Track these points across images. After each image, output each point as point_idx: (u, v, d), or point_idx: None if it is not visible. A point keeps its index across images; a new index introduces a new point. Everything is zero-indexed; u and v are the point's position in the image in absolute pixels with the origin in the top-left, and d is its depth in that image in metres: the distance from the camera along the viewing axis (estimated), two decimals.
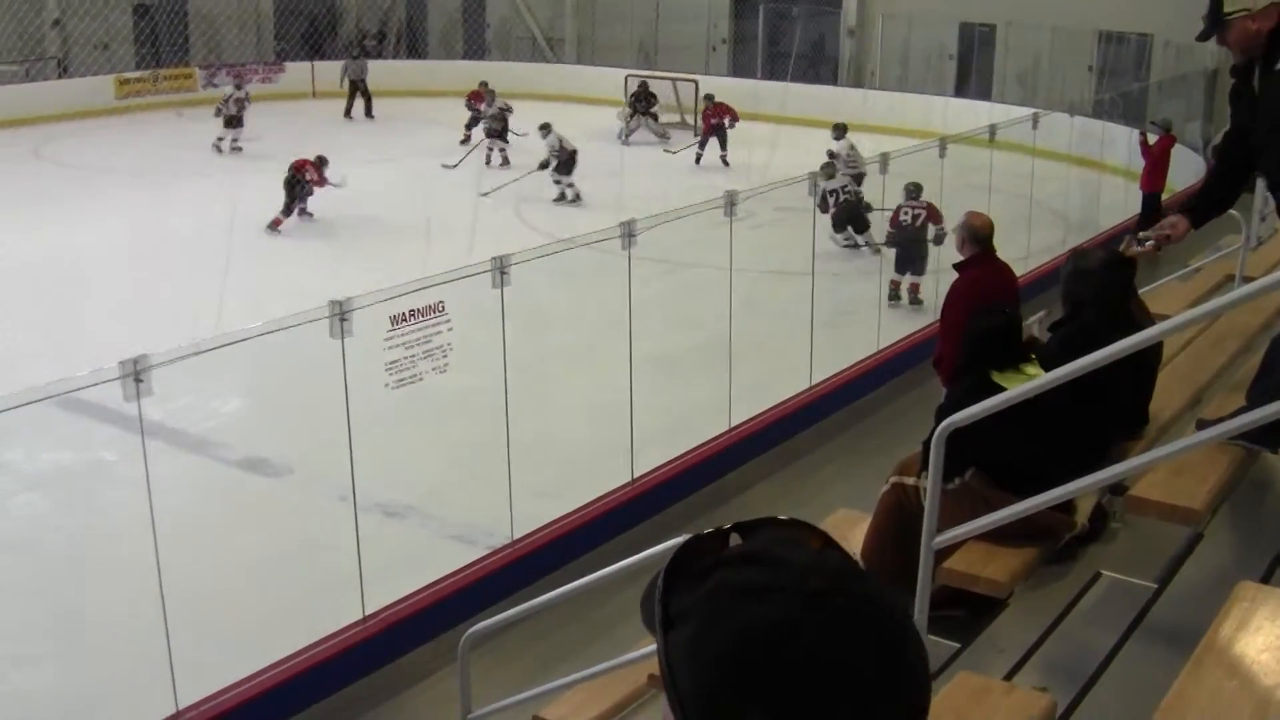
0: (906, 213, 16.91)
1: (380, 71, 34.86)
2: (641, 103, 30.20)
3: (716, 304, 12.33)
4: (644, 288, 10.80)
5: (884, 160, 13.54)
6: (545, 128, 23.99)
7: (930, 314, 13.96)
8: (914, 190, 16.85)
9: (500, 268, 9.04)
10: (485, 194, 23.63)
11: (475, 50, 39.35)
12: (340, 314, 8.04)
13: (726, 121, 27.21)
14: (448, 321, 8.78)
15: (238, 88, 28.85)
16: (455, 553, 9.82)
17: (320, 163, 21.65)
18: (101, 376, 7.43)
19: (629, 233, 10.14)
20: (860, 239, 19.33)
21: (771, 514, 1.52)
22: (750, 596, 1.34)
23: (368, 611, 8.65)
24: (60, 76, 34.08)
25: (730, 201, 11.20)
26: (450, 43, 40.34)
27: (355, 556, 8.61)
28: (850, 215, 19.33)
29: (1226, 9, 5.57)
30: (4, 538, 11.09)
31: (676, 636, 1.36)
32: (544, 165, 23.75)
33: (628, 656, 6.47)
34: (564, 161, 23.62)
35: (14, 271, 18.44)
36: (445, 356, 8.75)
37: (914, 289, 16.57)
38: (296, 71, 35.61)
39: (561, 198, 23.69)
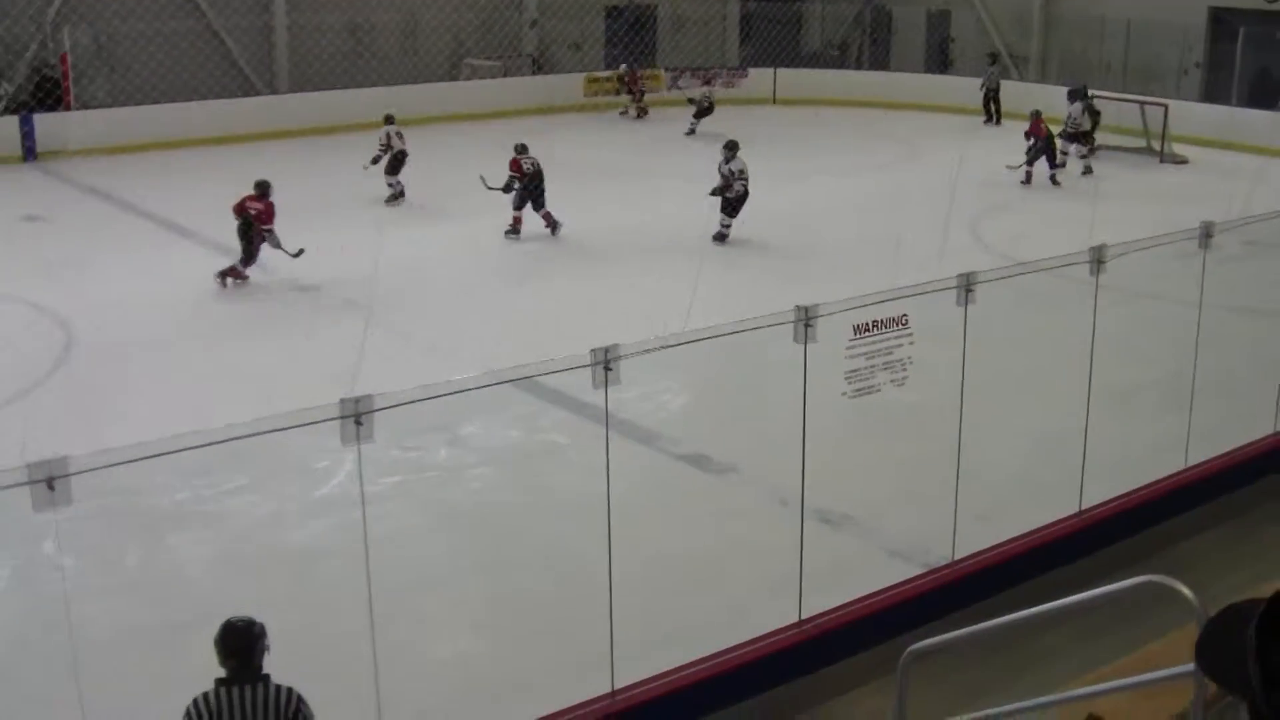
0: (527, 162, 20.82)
1: (843, 82, 35.43)
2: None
3: (1175, 338, 11.88)
4: (1101, 316, 10.48)
5: None
6: (731, 148, 21.02)
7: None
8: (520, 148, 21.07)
9: (966, 285, 8.96)
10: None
11: (937, 64, 39.03)
12: (806, 319, 8.11)
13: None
14: (910, 335, 8.74)
15: (390, 124, 23.74)
16: (892, 568, 9.80)
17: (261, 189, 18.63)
18: (574, 362, 7.71)
19: (1098, 259, 9.87)
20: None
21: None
22: None
23: (804, 616, 8.73)
24: (535, 73, 35.61)
25: (1206, 233, 10.75)
26: (912, 55, 40.12)
27: (793, 559, 8.69)
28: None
29: None
30: (458, 507, 11.69)
31: None
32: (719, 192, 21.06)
33: (1067, 694, 6.33)
34: (733, 198, 20.78)
35: (486, 254, 19.56)
36: (904, 370, 8.71)
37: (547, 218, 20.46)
38: (759, 78, 36.17)
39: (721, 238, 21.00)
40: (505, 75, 34.94)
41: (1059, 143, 26.61)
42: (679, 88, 34.69)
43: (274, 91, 32.04)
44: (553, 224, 20.76)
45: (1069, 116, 27.74)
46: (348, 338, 14.51)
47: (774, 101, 35.42)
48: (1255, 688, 1.34)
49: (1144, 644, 7.16)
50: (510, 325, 15.81)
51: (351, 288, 17.43)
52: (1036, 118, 26.29)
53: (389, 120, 23.63)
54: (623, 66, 34.60)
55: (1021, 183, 25.87)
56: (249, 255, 18.18)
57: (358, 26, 33.10)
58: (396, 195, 23.35)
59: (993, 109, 33.67)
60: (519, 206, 20.74)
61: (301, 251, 18.22)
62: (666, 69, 36.34)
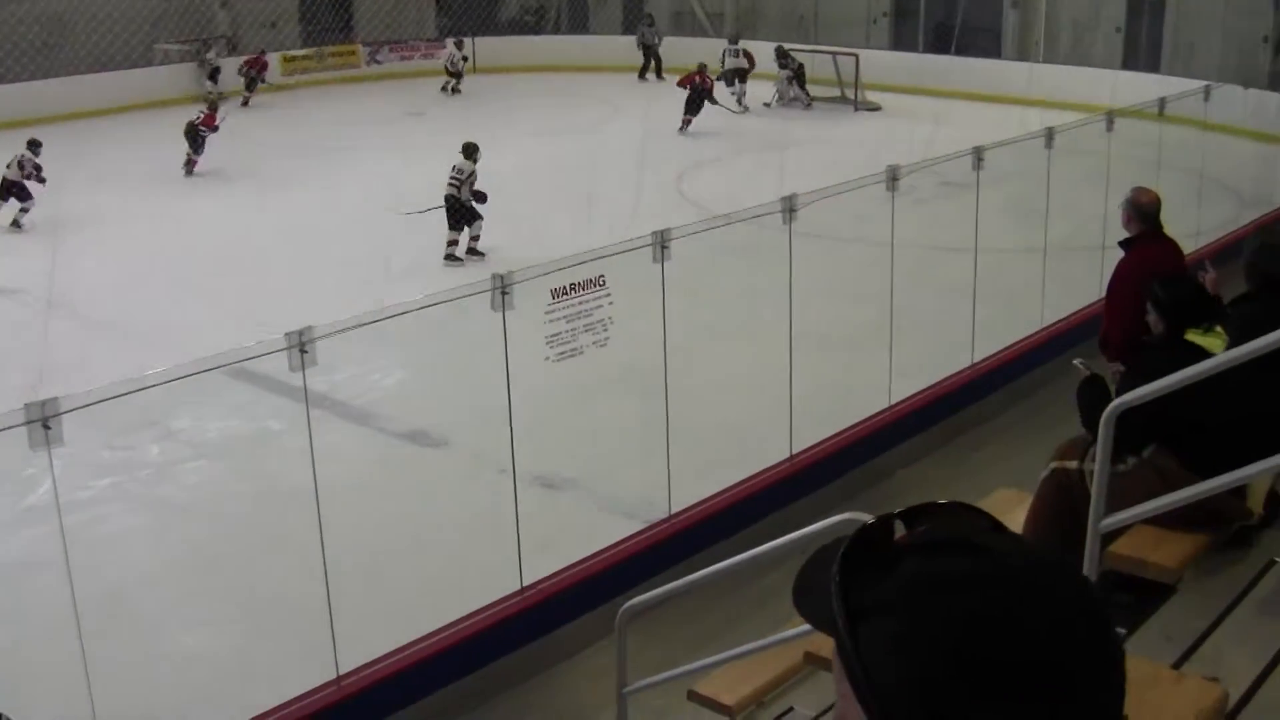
0: None
1: (541, 48, 35.41)
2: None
3: (878, 280, 12.19)
4: (804, 263, 10.69)
5: (1049, 134, 13.25)
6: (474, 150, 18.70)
7: None
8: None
9: (661, 242, 9.01)
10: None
11: (634, 26, 39.30)
12: (502, 287, 8.07)
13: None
14: (608, 295, 8.77)
15: (33, 148, 20.91)
16: (613, 526, 9.84)
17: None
18: (268, 347, 7.56)
19: (790, 207, 10.05)
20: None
21: (931, 494, 1.48)
22: (962, 587, 1.30)
23: (525, 583, 8.71)
24: (230, 54, 34.62)
25: (893, 176, 11.06)
26: (610, 19, 40.28)
27: (513, 528, 8.67)
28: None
29: None
30: (175, 504, 11.36)
31: (871, 630, 1.31)
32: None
33: (784, 634, 6.42)
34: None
35: (188, 244, 18.95)
36: (606, 330, 8.74)
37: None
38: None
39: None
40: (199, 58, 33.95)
41: (719, 84, 28.73)
42: (377, 61, 34.28)
43: None
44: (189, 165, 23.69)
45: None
46: (41, 339, 13.97)
47: (473, 70, 35.14)
48: (840, 627, 1.33)
49: None
50: (218, 314, 15.37)
51: (48, 286, 16.74)
52: (697, 72, 27.39)
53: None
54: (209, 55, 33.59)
55: (679, 130, 26.95)
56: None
57: (52, 14, 31.72)
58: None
59: (653, 65, 34.87)
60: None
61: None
62: (364, 44, 35.81)
